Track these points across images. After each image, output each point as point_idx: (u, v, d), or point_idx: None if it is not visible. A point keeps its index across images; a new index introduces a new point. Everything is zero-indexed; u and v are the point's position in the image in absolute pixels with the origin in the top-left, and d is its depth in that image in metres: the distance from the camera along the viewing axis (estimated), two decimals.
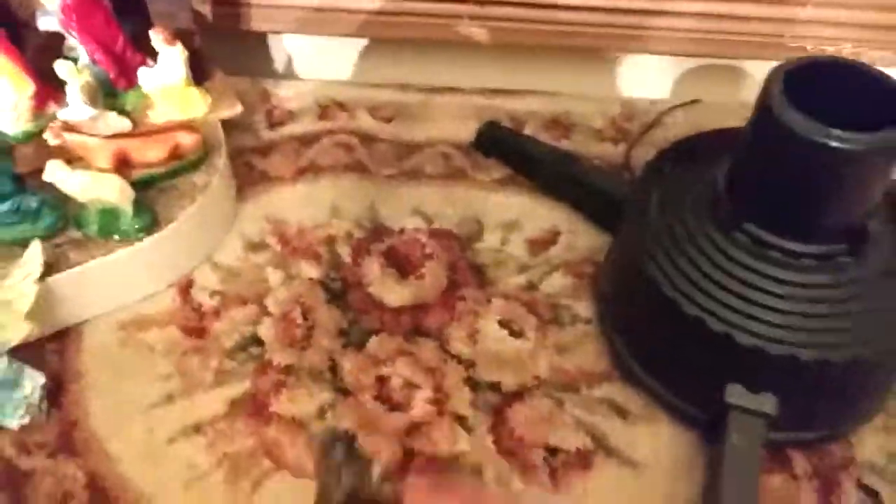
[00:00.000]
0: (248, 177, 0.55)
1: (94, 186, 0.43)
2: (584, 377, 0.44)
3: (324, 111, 0.60)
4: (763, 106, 0.34)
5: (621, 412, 0.43)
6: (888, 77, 0.35)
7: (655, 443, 0.42)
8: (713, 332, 0.36)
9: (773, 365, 0.35)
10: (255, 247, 0.51)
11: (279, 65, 0.64)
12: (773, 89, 0.33)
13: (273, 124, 0.59)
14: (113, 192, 0.43)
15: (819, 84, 0.34)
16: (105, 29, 0.48)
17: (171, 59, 0.48)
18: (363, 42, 0.62)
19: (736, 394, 0.37)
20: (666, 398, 0.41)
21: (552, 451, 0.41)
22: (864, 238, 0.36)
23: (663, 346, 0.40)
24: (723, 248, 0.36)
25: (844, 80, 0.34)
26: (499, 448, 0.41)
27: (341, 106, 0.61)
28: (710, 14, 0.56)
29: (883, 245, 0.36)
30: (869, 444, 0.41)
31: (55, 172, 0.42)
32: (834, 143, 0.31)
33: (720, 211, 0.37)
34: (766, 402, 0.36)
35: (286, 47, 0.63)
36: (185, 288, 0.48)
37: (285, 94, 0.61)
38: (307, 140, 0.58)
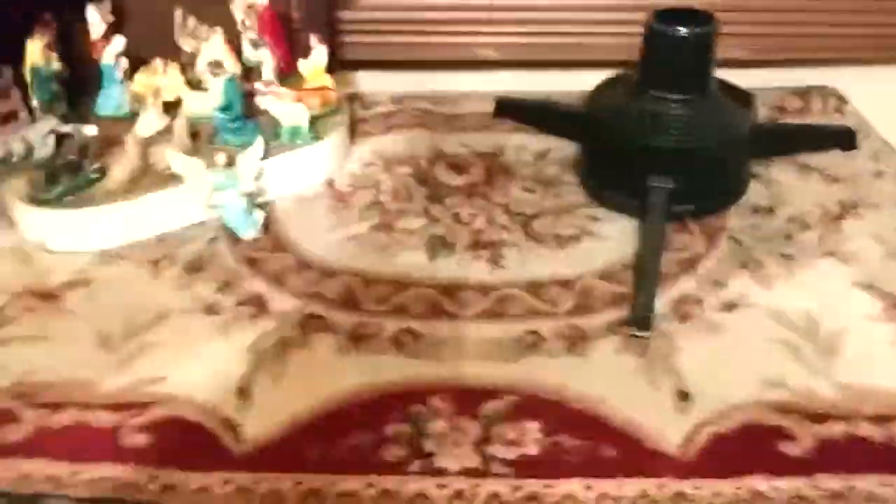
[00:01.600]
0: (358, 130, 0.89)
1: (290, 112, 0.77)
2: (572, 207, 0.76)
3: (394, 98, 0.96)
4: (648, 26, 0.69)
5: (596, 218, 0.75)
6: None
7: (616, 228, 0.73)
8: (640, 145, 0.69)
9: (674, 157, 0.68)
10: (367, 164, 0.84)
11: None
12: (652, 19, 0.69)
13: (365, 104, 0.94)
14: (300, 115, 0.77)
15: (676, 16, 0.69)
16: (280, 33, 0.83)
17: (319, 52, 0.83)
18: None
19: (653, 179, 0.69)
20: (617, 200, 0.73)
21: (558, 236, 0.73)
22: (704, 89, 0.70)
23: (613, 168, 0.73)
24: (640, 103, 0.70)
25: (684, 14, 0.69)
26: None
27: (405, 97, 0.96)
28: None
29: (715, 94, 0.71)
30: (734, 215, 0.73)
31: (270, 102, 0.76)
32: (681, 33, 0.66)
33: (637, 88, 0.72)
34: (668, 181, 0.68)
35: None
36: (332, 182, 0.81)
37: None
38: (389, 113, 0.93)
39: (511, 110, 0.90)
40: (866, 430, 0.54)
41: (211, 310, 0.66)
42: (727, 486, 0.51)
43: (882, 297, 0.64)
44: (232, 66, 0.79)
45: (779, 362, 0.59)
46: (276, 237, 0.74)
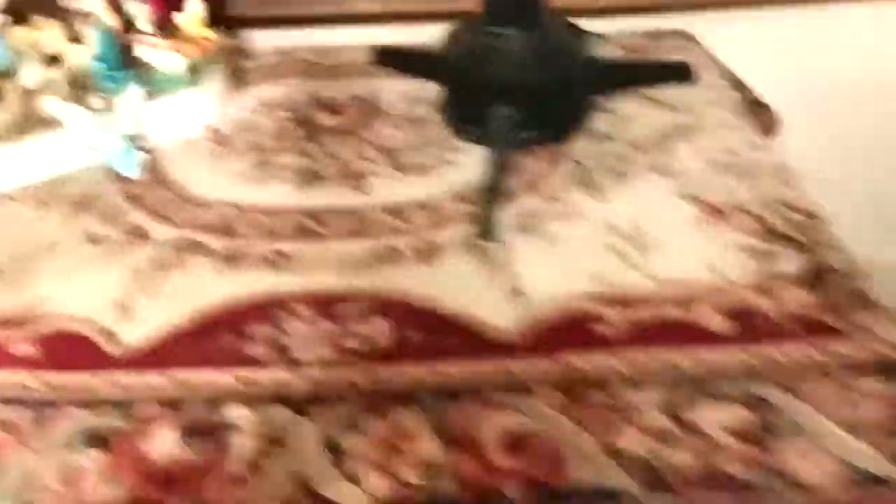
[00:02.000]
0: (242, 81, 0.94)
1: (166, 60, 0.81)
2: (435, 140, 0.83)
3: (278, 50, 1.01)
4: None
5: (455, 149, 0.82)
6: None
7: (472, 157, 0.80)
8: (484, 80, 0.76)
9: (514, 87, 0.76)
10: (249, 110, 0.89)
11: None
12: None
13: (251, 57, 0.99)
14: (176, 63, 0.81)
15: None
16: None
17: (194, 4, 0.87)
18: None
19: (495, 109, 0.76)
20: (472, 132, 0.80)
21: (420, 165, 0.79)
22: (540, 26, 0.78)
23: (466, 102, 0.80)
24: (483, 40, 0.77)
25: None
26: None
27: (289, 49, 1.01)
28: None
29: (551, 31, 0.78)
30: (578, 142, 0.81)
31: (146, 52, 0.80)
32: None
33: (480, 27, 0.79)
34: (509, 110, 0.76)
35: None
36: (214, 127, 0.86)
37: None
38: (273, 65, 0.98)
39: (387, 57, 0.96)
40: (671, 311, 0.63)
41: (95, 240, 0.71)
42: (547, 363, 0.59)
43: (699, 205, 0.73)
44: (109, 19, 0.83)
45: (604, 262, 0.67)
46: (158, 176, 0.79)
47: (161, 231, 0.72)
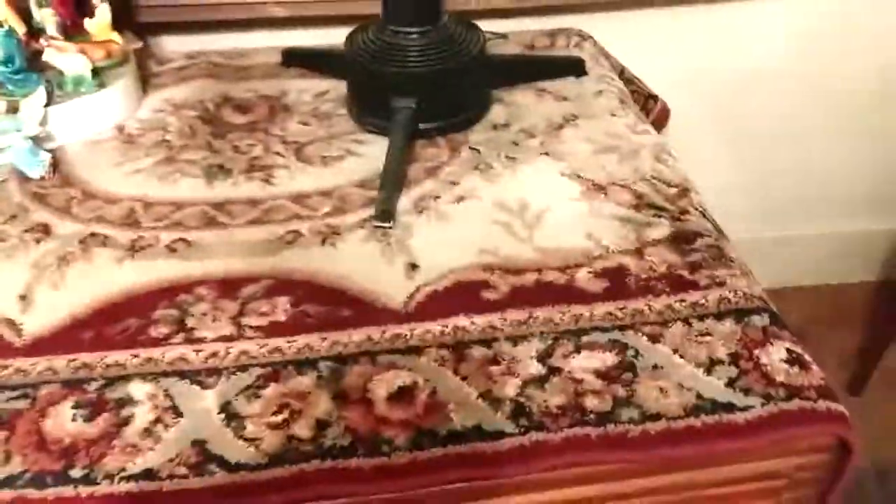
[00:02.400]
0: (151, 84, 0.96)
1: (72, 63, 0.83)
2: (340, 134, 0.87)
3: (188, 54, 1.03)
4: None
5: (359, 141, 0.86)
6: None
7: (375, 148, 0.83)
8: (386, 73, 0.81)
9: (413, 81, 0.80)
10: (157, 110, 0.91)
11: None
12: None
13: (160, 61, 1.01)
14: (82, 65, 0.83)
15: None
16: None
17: (102, 10, 0.89)
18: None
19: (396, 101, 0.80)
20: (375, 124, 0.84)
21: (325, 157, 0.83)
22: (437, 23, 0.82)
23: (369, 96, 0.84)
24: (385, 38, 0.82)
25: None
26: None
27: (199, 53, 1.04)
28: None
29: (447, 27, 0.83)
30: (476, 132, 0.86)
31: (52, 55, 0.82)
32: None
33: (381, 26, 0.83)
34: (411, 101, 0.80)
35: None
36: (122, 128, 0.88)
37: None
38: (182, 67, 1.00)
39: (296, 58, 1.00)
40: (551, 276, 0.67)
41: None
42: (436, 326, 0.63)
43: (583, 182, 0.78)
44: (15, 23, 0.85)
45: (494, 237, 0.72)
46: (64, 175, 0.80)
47: (64, 227, 0.73)
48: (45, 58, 0.83)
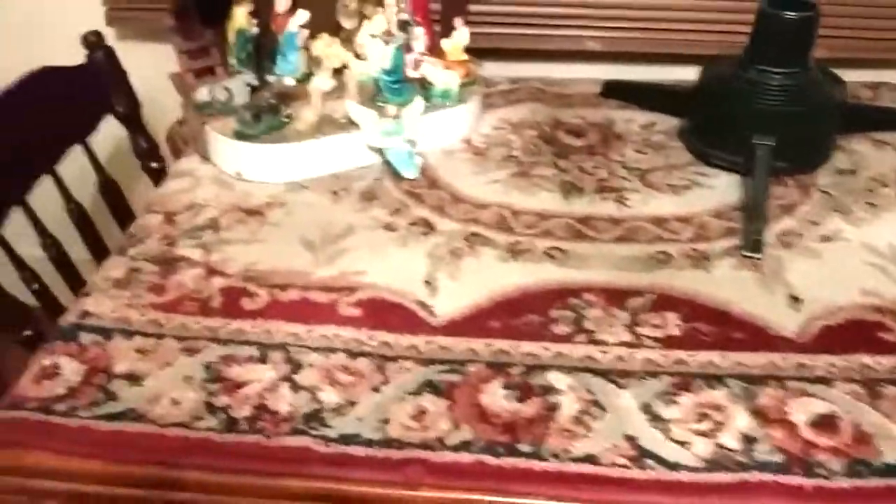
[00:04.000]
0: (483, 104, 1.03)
1: (443, 77, 0.91)
2: (681, 165, 0.89)
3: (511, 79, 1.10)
4: (759, 10, 0.83)
5: (702, 174, 0.88)
6: None
7: (721, 181, 0.85)
8: (747, 110, 0.83)
9: (776, 119, 0.81)
10: (496, 128, 0.98)
11: None
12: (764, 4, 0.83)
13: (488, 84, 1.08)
14: (452, 80, 0.91)
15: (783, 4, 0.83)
16: (428, 15, 0.98)
17: (462, 33, 0.97)
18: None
19: (758, 138, 0.82)
20: (723, 159, 0.86)
21: (672, 185, 0.86)
22: (805, 65, 0.83)
23: (720, 131, 0.86)
24: (749, 75, 0.84)
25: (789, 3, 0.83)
26: None
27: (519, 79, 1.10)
28: None
29: (813, 71, 0.84)
30: (822, 175, 0.86)
31: (429, 69, 0.90)
32: (789, 16, 0.80)
33: (745, 63, 0.85)
34: (770, 139, 0.81)
35: None
36: (468, 141, 0.94)
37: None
38: (508, 90, 1.07)
39: (617, 91, 1.04)
40: None
41: (389, 227, 0.79)
42: (839, 360, 0.63)
43: None
44: (399, 37, 0.93)
45: (872, 278, 0.71)
46: (431, 178, 0.87)
47: (444, 224, 0.80)
48: (421, 71, 0.91)
